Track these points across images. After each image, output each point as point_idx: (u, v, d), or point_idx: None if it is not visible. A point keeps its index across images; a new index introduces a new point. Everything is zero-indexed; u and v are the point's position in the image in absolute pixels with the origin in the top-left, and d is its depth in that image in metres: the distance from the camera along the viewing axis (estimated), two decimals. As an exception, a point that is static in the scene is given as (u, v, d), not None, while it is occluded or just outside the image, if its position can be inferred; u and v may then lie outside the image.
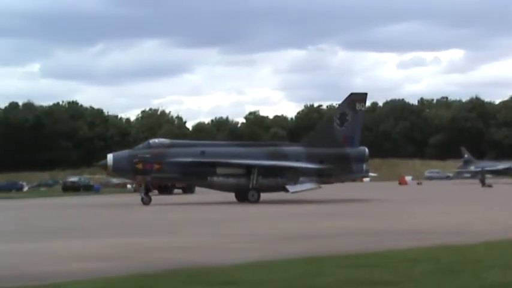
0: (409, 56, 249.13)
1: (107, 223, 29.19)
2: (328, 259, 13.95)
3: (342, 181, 50.97)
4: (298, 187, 44.92)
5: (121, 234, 22.90)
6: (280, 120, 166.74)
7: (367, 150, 47.41)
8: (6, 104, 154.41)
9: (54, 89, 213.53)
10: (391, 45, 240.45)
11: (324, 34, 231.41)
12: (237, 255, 15.44)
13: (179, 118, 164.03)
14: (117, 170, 45.05)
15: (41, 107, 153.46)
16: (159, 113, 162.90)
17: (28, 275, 13.03)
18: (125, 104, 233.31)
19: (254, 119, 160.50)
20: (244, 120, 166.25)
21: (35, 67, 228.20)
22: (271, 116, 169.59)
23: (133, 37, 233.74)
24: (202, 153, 45.25)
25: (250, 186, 44.11)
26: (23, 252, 17.51)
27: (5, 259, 16.05)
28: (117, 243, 19.15)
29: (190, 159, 44.34)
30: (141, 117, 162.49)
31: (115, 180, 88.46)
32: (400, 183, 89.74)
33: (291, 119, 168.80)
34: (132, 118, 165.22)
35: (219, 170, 44.36)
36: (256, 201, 43.43)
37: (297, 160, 45.40)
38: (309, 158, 45.51)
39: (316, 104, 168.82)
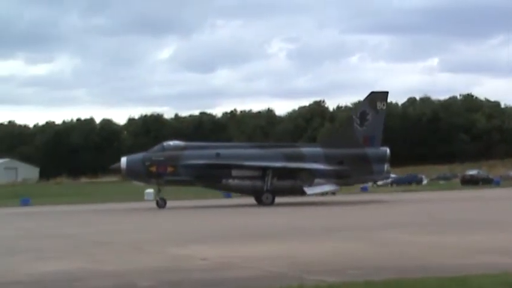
0: None
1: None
2: None
3: (362, 182, 49.89)
4: (316, 189, 43.64)
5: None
6: None
7: (388, 150, 44.71)
8: (405, 99, 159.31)
9: (451, 82, 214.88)
10: None
11: None
12: None
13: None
14: (131, 173, 44.32)
15: (438, 100, 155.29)
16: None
17: (432, 267, 13.48)
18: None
19: None
20: None
21: (434, 61, 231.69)
22: None
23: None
24: (217, 155, 44.12)
25: (265, 189, 42.92)
26: (430, 244, 18.02)
27: (414, 250, 16.68)
28: None
29: (204, 162, 43.33)
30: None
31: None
32: None
33: None
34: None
35: (235, 173, 43.46)
36: (271, 203, 42.27)
37: (315, 161, 43.57)
38: (328, 159, 43.77)
39: None
